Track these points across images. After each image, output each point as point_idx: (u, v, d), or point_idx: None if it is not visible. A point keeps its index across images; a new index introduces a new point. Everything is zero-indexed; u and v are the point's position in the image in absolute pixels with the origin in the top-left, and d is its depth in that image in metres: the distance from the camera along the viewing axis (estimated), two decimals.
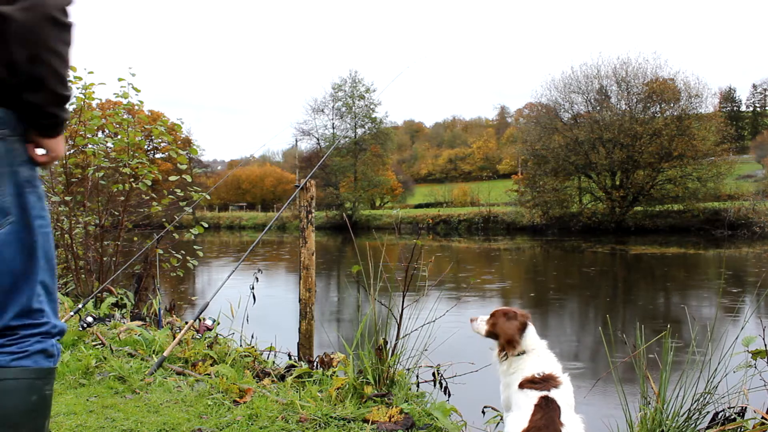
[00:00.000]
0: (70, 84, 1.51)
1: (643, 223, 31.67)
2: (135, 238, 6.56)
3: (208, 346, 3.75)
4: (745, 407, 2.33)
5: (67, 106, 1.44)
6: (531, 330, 2.23)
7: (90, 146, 5.77)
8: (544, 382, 2.06)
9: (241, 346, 4.22)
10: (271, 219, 28.59)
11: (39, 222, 1.40)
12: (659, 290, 11.13)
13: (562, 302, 9.76)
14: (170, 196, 6.19)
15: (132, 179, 5.88)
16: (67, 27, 1.34)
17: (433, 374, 3.50)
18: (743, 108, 79.18)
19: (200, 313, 3.78)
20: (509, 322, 2.24)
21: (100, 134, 6.10)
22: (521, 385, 2.08)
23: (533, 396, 2.02)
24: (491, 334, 2.30)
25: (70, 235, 5.81)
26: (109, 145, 6.24)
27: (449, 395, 3.38)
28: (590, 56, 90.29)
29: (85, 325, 3.81)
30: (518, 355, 2.19)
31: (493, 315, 2.33)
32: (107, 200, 6.25)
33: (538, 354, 2.19)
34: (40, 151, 1.42)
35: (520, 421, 1.98)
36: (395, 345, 3.12)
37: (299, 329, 4.21)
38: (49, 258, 1.45)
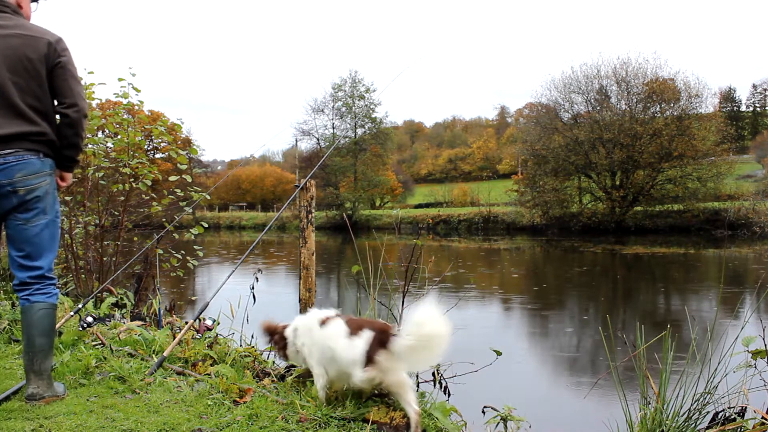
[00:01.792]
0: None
1: (643, 223, 31.65)
2: (135, 238, 6.55)
3: (208, 346, 3.74)
4: (745, 407, 2.33)
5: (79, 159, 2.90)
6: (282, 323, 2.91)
7: (90, 146, 5.76)
8: (328, 315, 2.58)
9: (241, 346, 4.21)
10: (271, 219, 28.56)
11: (58, 220, 2.73)
12: (659, 290, 11.13)
13: (562, 302, 9.76)
14: (170, 196, 6.18)
15: (132, 179, 5.88)
16: (87, 116, 2.73)
17: (433, 374, 3.50)
18: (743, 108, 79.22)
19: (200, 313, 3.77)
20: (265, 326, 2.97)
21: (100, 134, 6.09)
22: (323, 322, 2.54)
23: (338, 321, 2.47)
24: (278, 347, 2.87)
25: (70, 235, 5.81)
26: (109, 145, 6.23)
27: (449, 395, 3.39)
28: (590, 56, 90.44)
29: (85, 325, 3.80)
30: (294, 331, 2.75)
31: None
32: (107, 200, 6.23)
33: (299, 318, 2.81)
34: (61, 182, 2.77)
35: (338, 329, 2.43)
36: None
37: None
38: (57, 241, 2.76)
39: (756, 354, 2.37)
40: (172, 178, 6.12)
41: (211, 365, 3.26)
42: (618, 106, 34.45)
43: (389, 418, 2.43)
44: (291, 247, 23.91)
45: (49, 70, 2.56)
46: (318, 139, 46.10)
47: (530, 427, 2.86)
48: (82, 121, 2.65)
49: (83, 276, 5.87)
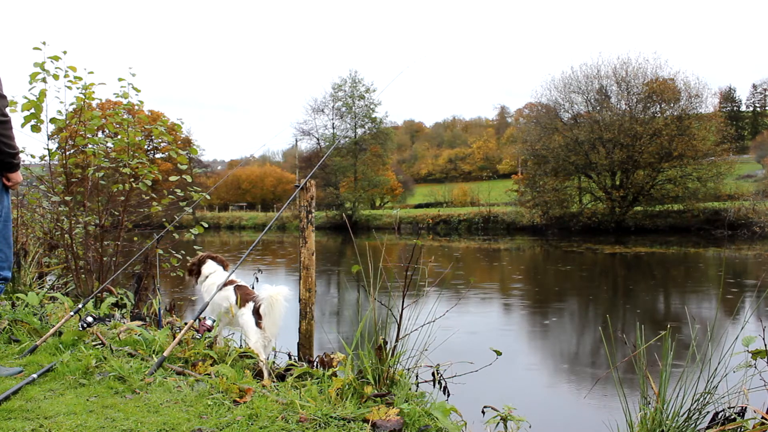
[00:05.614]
0: (16, 147, 2.88)
1: (643, 223, 31.66)
2: (135, 238, 6.55)
3: (208, 346, 3.75)
4: (745, 407, 2.33)
5: (17, 160, 2.89)
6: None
7: (90, 146, 5.76)
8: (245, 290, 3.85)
9: (241, 346, 4.22)
10: (271, 219, 28.57)
11: (8, 217, 2.96)
12: (659, 290, 11.13)
13: (562, 302, 9.76)
14: (170, 196, 6.18)
15: (132, 179, 5.88)
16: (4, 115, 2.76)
17: (433, 374, 3.50)
18: (743, 108, 79.30)
19: (200, 313, 3.78)
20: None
21: (100, 134, 6.09)
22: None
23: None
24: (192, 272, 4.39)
25: (70, 235, 5.81)
26: (109, 145, 6.23)
27: (448, 395, 3.39)
28: (590, 56, 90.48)
29: (85, 325, 3.80)
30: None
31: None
32: (107, 200, 6.23)
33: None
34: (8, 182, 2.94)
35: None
36: (395, 345, 3.12)
37: (299, 329, 4.21)
38: (7, 236, 2.97)
39: (756, 354, 2.37)
40: (172, 178, 6.12)
41: (211, 365, 3.26)
42: (618, 106, 34.48)
43: (385, 415, 2.43)
44: (291, 247, 23.91)
45: None
46: (318, 139, 46.12)
47: (530, 427, 2.86)
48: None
49: (83, 276, 5.87)
